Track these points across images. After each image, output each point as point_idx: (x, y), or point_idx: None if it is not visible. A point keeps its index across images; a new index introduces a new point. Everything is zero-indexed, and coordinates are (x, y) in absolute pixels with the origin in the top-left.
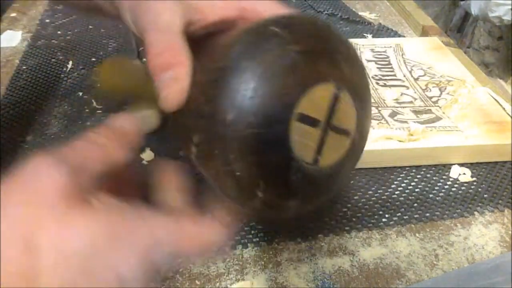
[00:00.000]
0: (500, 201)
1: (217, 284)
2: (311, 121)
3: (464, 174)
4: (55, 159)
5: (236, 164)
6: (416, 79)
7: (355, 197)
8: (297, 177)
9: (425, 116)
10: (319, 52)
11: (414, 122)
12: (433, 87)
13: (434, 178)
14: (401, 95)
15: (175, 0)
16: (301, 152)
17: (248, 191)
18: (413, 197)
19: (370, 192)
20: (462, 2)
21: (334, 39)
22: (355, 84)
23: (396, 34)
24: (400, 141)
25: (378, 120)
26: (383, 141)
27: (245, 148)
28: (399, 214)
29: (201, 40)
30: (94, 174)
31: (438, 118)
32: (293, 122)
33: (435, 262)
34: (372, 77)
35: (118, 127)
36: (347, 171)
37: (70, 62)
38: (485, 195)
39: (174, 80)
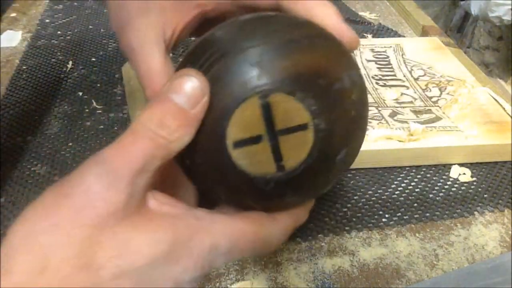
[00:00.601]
0: (500, 201)
1: (217, 284)
2: (252, 140)
3: (464, 174)
4: (109, 177)
5: (215, 189)
6: (416, 79)
7: (355, 197)
8: (272, 186)
9: (425, 116)
10: (223, 72)
11: (414, 122)
12: (433, 87)
13: (434, 178)
14: (401, 95)
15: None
16: (258, 170)
17: (238, 205)
18: (413, 197)
19: (370, 192)
20: (462, 2)
21: (238, 40)
22: (288, 75)
23: (396, 34)
24: (400, 141)
25: (378, 120)
26: (383, 141)
27: (211, 178)
28: (399, 214)
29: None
30: (152, 172)
31: (438, 118)
32: (232, 151)
33: (435, 262)
34: (372, 77)
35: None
36: (334, 152)
37: (70, 62)
38: (485, 195)
39: None
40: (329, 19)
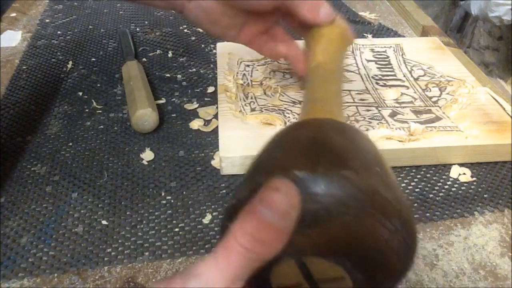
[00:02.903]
0: (500, 201)
1: None
2: (294, 286)
3: (464, 174)
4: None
5: None
6: (416, 79)
7: None
8: None
9: (425, 116)
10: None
11: (414, 122)
12: (433, 87)
13: (434, 178)
14: (401, 95)
15: None
16: None
17: None
18: (413, 197)
19: None
20: (462, 2)
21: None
22: (321, 242)
23: (396, 34)
24: (400, 141)
25: (378, 120)
26: (383, 141)
27: None
28: None
29: None
30: (244, 280)
31: (438, 118)
32: None
33: (435, 262)
34: (372, 77)
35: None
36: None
37: (70, 62)
38: (485, 195)
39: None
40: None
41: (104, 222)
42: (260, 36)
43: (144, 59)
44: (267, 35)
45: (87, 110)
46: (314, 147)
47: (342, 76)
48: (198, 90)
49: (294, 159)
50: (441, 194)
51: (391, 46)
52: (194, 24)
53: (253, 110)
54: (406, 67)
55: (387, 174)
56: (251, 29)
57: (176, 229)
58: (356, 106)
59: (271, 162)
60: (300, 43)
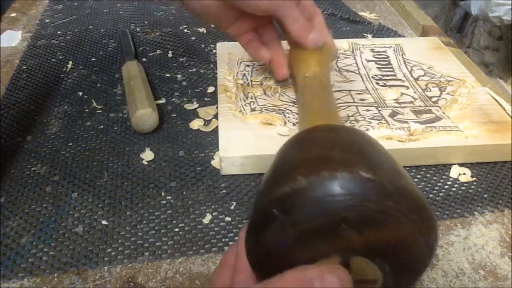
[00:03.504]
0: (500, 201)
1: None
2: None
3: (464, 174)
4: None
5: None
6: (416, 79)
7: None
8: None
9: (425, 116)
10: (318, 229)
11: (414, 122)
12: (433, 87)
13: (434, 178)
14: (401, 95)
15: None
16: None
17: None
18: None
19: None
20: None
21: (340, 205)
22: (371, 243)
23: (396, 34)
24: (400, 141)
25: (378, 120)
26: (383, 141)
27: None
28: None
29: None
30: None
31: (438, 118)
32: None
33: (435, 262)
34: (372, 77)
35: None
36: None
37: (70, 62)
38: (485, 195)
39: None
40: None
41: (104, 222)
42: (250, 32)
43: (144, 59)
44: (256, 33)
45: (87, 110)
46: (343, 147)
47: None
48: (198, 90)
49: (351, 157)
50: (441, 194)
51: (391, 46)
52: (188, 8)
53: (253, 110)
54: (406, 67)
55: (406, 174)
56: (242, 24)
57: (176, 229)
58: (356, 106)
59: (325, 156)
60: (284, 43)
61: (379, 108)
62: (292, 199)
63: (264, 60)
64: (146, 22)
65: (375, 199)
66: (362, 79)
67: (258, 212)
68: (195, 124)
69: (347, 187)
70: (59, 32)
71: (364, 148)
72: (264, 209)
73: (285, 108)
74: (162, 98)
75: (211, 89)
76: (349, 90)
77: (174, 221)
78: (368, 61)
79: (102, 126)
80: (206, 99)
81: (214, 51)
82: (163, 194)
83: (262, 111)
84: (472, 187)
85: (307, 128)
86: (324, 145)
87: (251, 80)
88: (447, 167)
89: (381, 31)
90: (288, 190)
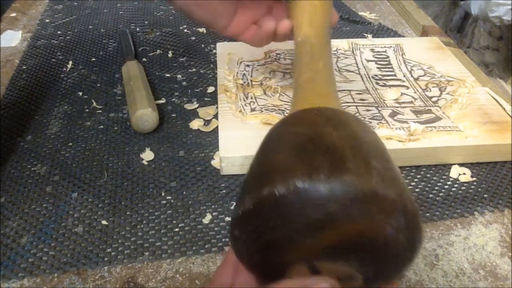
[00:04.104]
0: (500, 201)
1: None
2: None
3: (464, 174)
4: None
5: None
6: (416, 79)
7: None
8: None
9: (425, 116)
10: (275, 241)
11: (414, 122)
12: (433, 87)
13: (434, 178)
14: (401, 95)
15: None
16: None
17: None
18: (413, 197)
19: None
20: (462, 2)
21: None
22: (328, 245)
23: (396, 34)
24: (400, 141)
25: (378, 120)
26: (383, 141)
27: None
28: None
29: None
30: None
31: (438, 118)
32: None
33: (435, 262)
34: (372, 77)
35: None
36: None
37: (70, 62)
38: (485, 195)
39: None
40: None
41: (104, 222)
42: (251, 27)
43: (144, 59)
44: (257, 26)
45: (87, 110)
46: (311, 148)
47: (330, 51)
48: (198, 90)
49: (293, 164)
50: (441, 194)
51: (391, 46)
52: (181, 8)
53: (253, 110)
54: (406, 67)
55: (388, 166)
56: (242, 19)
57: (176, 229)
58: (356, 106)
59: (270, 168)
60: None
61: (379, 108)
62: (248, 219)
63: (271, 39)
64: (146, 22)
65: (315, 204)
66: (362, 79)
67: (229, 233)
68: (195, 124)
69: (297, 197)
70: (59, 32)
71: (333, 143)
72: (230, 231)
73: (285, 108)
74: (162, 98)
75: (211, 89)
76: (349, 90)
77: (174, 221)
78: (368, 61)
79: (102, 126)
80: (206, 99)
81: (214, 51)
82: (163, 194)
83: (262, 111)
84: (472, 187)
85: (279, 121)
86: (285, 147)
87: (251, 80)
88: (447, 167)
89: (381, 31)
90: (244, 209)
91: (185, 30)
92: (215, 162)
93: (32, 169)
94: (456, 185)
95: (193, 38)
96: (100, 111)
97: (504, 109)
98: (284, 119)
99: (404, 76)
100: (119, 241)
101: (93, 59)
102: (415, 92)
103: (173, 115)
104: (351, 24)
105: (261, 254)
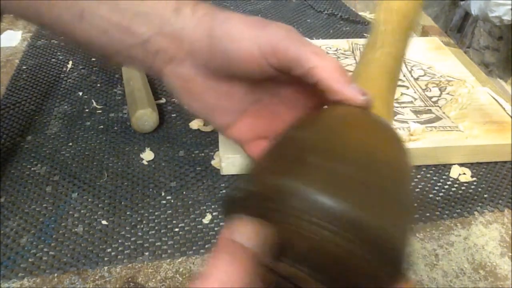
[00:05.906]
0: (500, 201)
1: None
2: None
3: (464, 174)
4: None
5: None
6: (416, 79)
7: None
8: None
9: (425, 116)
10: None
11: (414, 122)
12: (433, 87)
13: (434, 178)
14: (401, 95)
15: None
16: None
17: None
18: (413, 197)
19: None
20: (462, 2)
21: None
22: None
23: None
24: None
25: None
26: None
27: None
28: None
29: None
30: None
31: (438, 118)
32: None
33: (435, 262)
34: None
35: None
36: None
37: (70, 62)
38: (485, 195)
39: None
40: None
41: (104, 222)
42: (260, 140)
43: None
44: (267, 140)
45: (87, 110)
46: (313, 160)
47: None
48: None
49: (289, 173)
50: (441, 194)
51: None
52: (173, 95)
53: None
54: (406, 67)
55: (394, 191)
56: (248, 127)
57: (176, 229)
58: None
59: (271, 169)
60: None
61: None
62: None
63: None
64: None
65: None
66: None
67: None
68: (195, 124)
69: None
70: None
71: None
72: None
73: None
74: (162, 98)
75: None
76: None
77: (174, 221)
78: None
79: (102, 126)
80: None
81: None
82: (163, 194)
83: None
84: (472, 187)
85: (304, 119)
86: (286, 152)
87: None
88: (447, 167)
89: None
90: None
91: None
92: (215, 162)
93: (32, 169)
94: (456, 185)
95: None
96: (100, 111)
97: (504, 109)
98: (306, 117)
99: (404, 76)
100: (119, 241)
101: (93, 59)
102: (415, 92)
103: (173, 115)
104: (351, 24)
105: None
